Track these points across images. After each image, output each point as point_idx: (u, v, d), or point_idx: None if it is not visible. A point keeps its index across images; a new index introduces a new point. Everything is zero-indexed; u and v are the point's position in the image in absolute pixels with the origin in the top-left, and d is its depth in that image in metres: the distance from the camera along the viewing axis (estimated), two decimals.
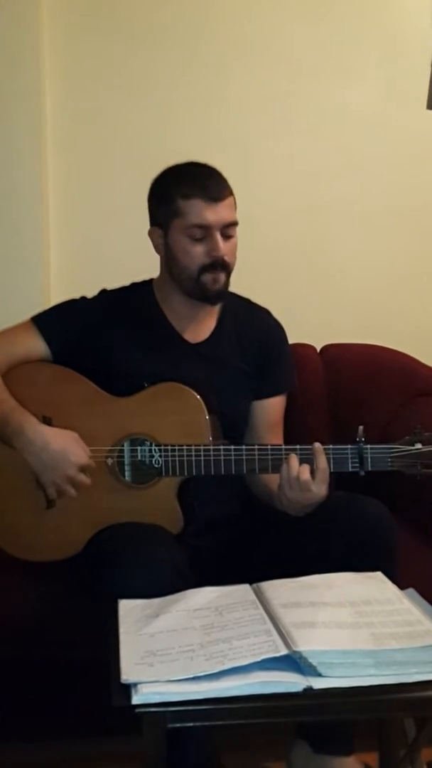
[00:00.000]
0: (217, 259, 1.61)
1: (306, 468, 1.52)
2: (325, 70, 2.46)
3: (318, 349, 2.27)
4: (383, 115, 2.51)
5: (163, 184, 1.67)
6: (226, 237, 1.62)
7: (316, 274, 2.53)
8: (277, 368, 1.79)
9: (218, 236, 1.60)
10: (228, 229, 1.62)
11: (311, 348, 2.25)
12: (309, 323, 2.21)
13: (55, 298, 2.08)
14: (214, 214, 1.59)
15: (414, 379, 2.23)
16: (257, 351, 1.76)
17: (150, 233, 1.69)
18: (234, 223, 1.63)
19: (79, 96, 2.35)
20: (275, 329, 1.82)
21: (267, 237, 2.42)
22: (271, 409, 1.79)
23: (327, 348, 2.28)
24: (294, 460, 1.53)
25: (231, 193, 1.64)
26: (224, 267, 1.63)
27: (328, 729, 1.62)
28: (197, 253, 1.61)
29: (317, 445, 1.54)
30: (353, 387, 2.20)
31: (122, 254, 2.33)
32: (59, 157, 2.35)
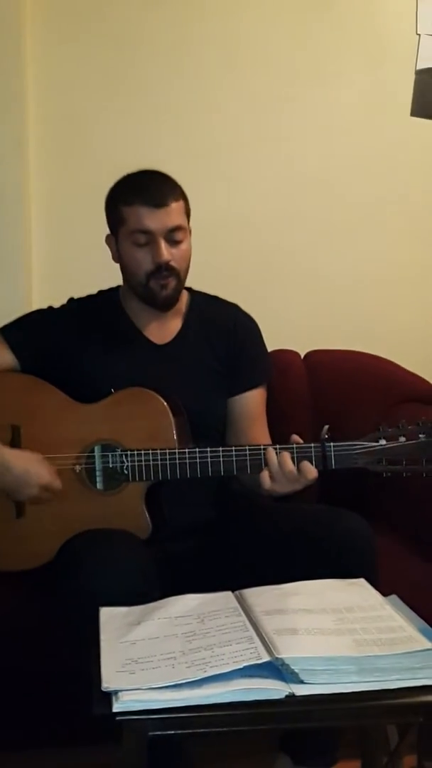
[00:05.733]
0: (160, 264, 1.62)
1: (286, 456, 1.52)
2: (310, 76, 2.47)
3: (302, 356, 2.27)
4: (368, 122, 2.52)
5: (112, 193, 1.70)
6: (173, 242, 1.63)
7: (301, 280, 2.54)
8: (250, 361, 1.78)
9: (161, 242, 1.61)
10: (174, 233, 1.63)
11: (295, 354, 2.25)
12: (293, 329, 2.22)
13: (38, 305, 2.06)
14: (156, 219, 1.61)
15: (397, 385, 2.24)
16: (226, 346, 1.76)
17: (106, 241, 1.72)
18: (179, 228, 1.63)
19: (63, 102, 2.35)
20: (244, 322, 1.81)
21: (251, 243, 2.42)
22: (250, 402, 1.78)
23: (311, 354, 2.29)
24: (272, 454, 1.53)
25: (178, 199, 1.64)
26: (171, 272, 1.64)
27: (310, 741, 1.62)
28: (142, 259, 1.63)
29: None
30: (337, 393, 2.20)
31: (105, 261, 2.32)
32: (42, 164, 2.34)
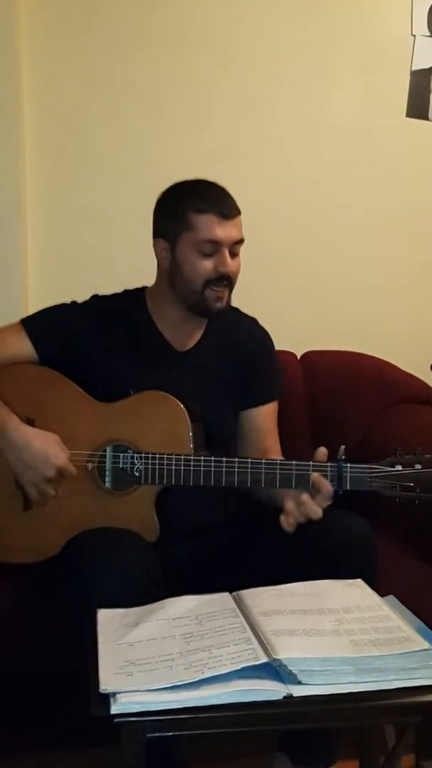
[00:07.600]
0: (223, 274, 1.62)
1: (307, 498, 1.51)
2: (306, 78, 2.48)
3: (298, 356, 2.27)
4: (363, 123, 2.53)
5: (175, 198, 1.66)
6: (233, 255, 1.64)
7: (297, 281, 2.54)
8: (266, 376, 1.79)
9: (227, 253, 1.61)
10: (236, 246, 1.64)
11: (292, 355, 2.25)
12: (289, 330, 2.21)
13: (34, 305, 2.06)
14: (225, 230, 1.61)
15: (393, 386, 2.24)
16: (243, 359, 1.76)
17: (155, 245, 1.68)
18: (241, 241, 1.65)
19: (58, 104, 2.34)
20: (262, 337, 1.82)
21: (246, 244, 2.41)
22: (264, 416, 1.79)
23: (307, 355, 2.29)
24: (291, 503, 1.51)
25: (240, 213, 1.64)
26: (229, 283, 1.64)
27: (308, 741, 1.62)
28: (205, 267, 1.61)
29: (316, 475, 1.52)
30: (333, 394, 2.21)
31: (100, 261, 2.32)
32: (38, 165, 2.33)
